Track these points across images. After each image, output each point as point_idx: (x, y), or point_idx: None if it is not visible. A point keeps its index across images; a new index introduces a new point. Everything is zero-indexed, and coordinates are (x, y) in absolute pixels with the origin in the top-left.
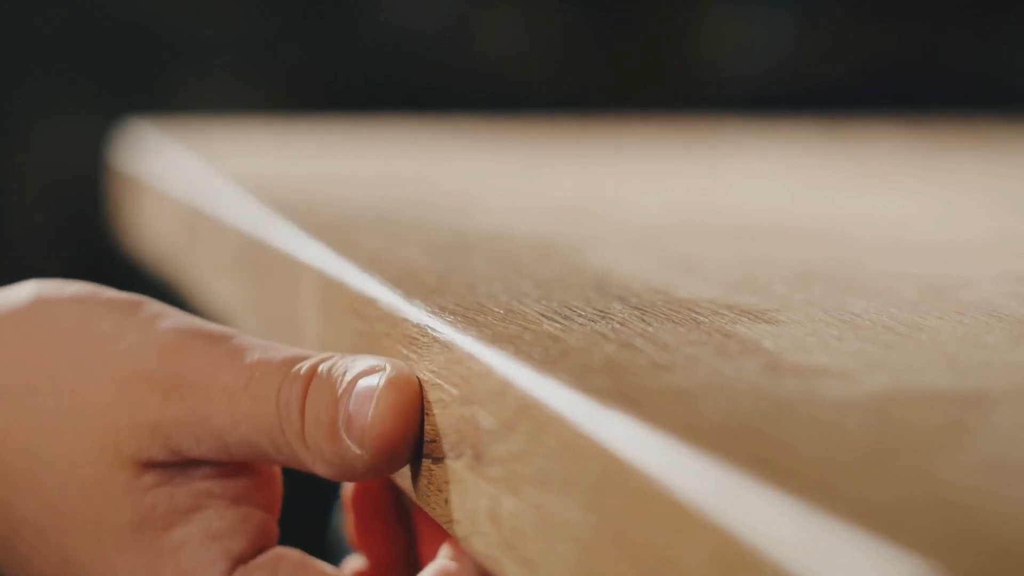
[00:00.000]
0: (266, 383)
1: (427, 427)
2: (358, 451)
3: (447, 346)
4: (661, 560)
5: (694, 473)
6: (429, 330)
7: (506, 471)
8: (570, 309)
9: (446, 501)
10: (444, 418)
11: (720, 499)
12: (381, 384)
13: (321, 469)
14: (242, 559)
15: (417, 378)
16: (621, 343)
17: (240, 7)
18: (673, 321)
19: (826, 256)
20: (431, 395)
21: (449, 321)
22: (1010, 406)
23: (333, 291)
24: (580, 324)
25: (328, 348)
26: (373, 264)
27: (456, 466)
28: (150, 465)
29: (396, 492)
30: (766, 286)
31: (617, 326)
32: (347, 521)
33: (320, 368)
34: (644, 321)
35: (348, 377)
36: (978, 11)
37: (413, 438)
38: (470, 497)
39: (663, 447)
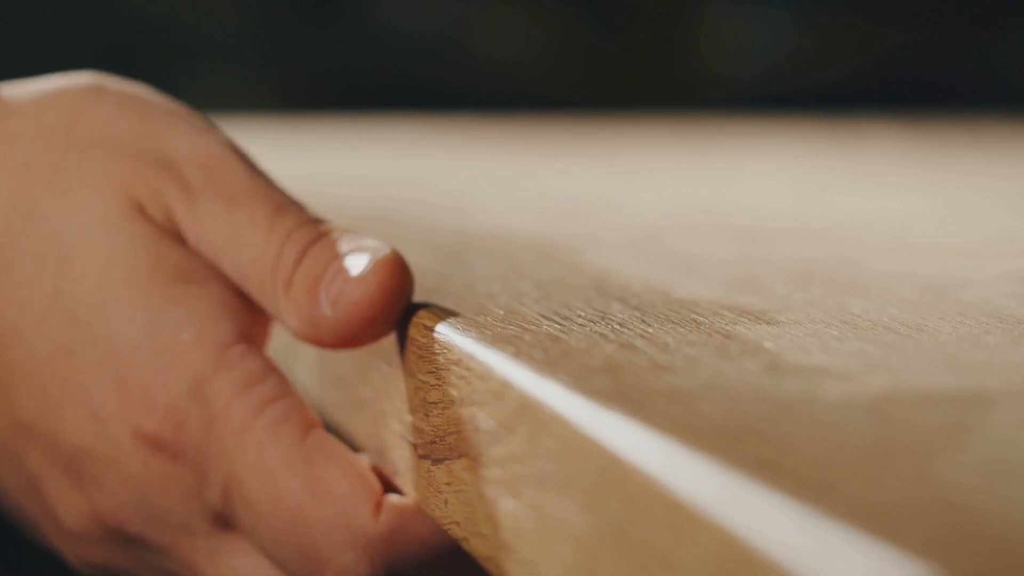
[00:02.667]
0: (282, 224)
1: (426, 428)
2: (328, 311)
3: (446, 347)
4: (661, 561)
5: (694, 474)
6: (428, 330)
7: (506, 472)
8: (570, 310)
9: (445, 502)
10: (443, 419)
11: (720, 499)
12: (375, 259)
13: (290, 323)
14: (248, 340)
15: (411, 273)
16: (621, 344)
17: (240, 7)
18: (673, 322)
19: (826, 256)
20: (430, 396)
21: (448, 322)
22: (1010, 406)
23: None
24: (580, 325)
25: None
26: None
27: (455, 467)
28: (164, 230)
29: None
30: (766, 286)
31: (617, 327)
32: None
33: (335, 232)
34: (644, 322)
35: (350, 245)
36: (978, 11)
37: (383, 323)
38: (470, 498)
39: (663, 448)
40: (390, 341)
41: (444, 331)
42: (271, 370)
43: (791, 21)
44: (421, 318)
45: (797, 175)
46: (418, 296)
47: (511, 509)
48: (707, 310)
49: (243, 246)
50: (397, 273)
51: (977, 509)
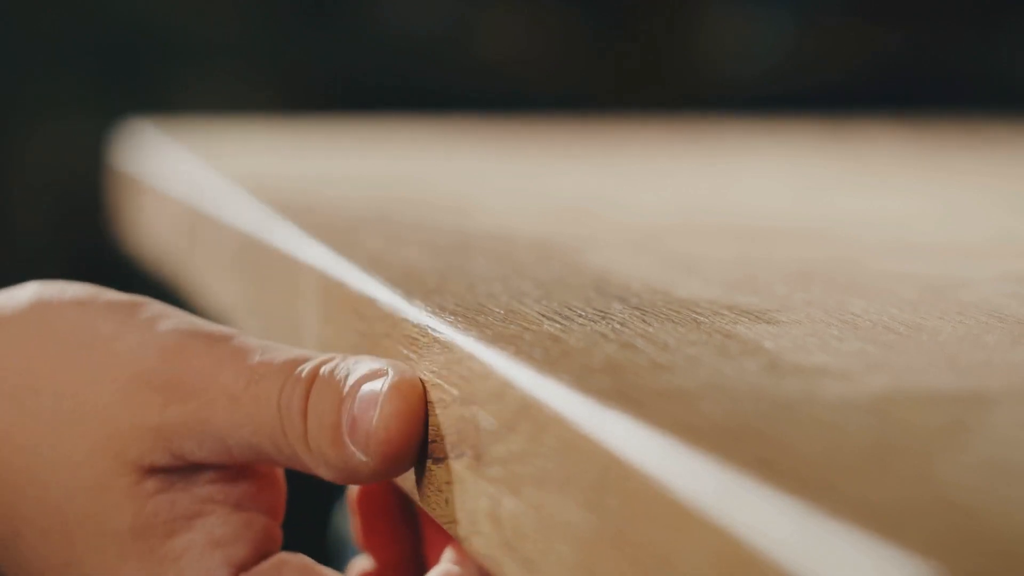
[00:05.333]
0: (267, 385)
1: (428, 428)
2: (363, 458)
3: (447, 346)
4: (661, 560)
5: (694, 473)
6: (429, 330)
7: (506, 471)
8: (570, 309)
9: (446, 501)
10: (444, 418)
11: (720, 499)
12: (385, 389)
13: (324, 472)
14: (244, 566)
15: (420, 381)
16: (621, 343)
17: (240, 7)
18: (673, 321)
19: (826, 256)
20: (431, 395)
21: (449, 321)
22: (1010, 406)
23: (333, 291)
24: (580, 324)
25: (328, 348)
26: (373, 264)
27: (456, 466)
28: (152, 470)
29: (402, 494)
30: (766, 286)
31: (617, 326)
32: (353, 522)
33: (322, 370)
34: (644, 321)
35: (351, 380)
36: (978, 11)
37: (417, 442)
38: (470, 497)
39: (663, 447)
40: (391, 341)
41: (445, 331)
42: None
43: (791, 22)
44: (421, 318)
45: (797, 175)
46: (418, 296)
47: (511, 508)
48: (707, 310)
49: (240, 427)
50: (406, 392)
51: (977, 509)
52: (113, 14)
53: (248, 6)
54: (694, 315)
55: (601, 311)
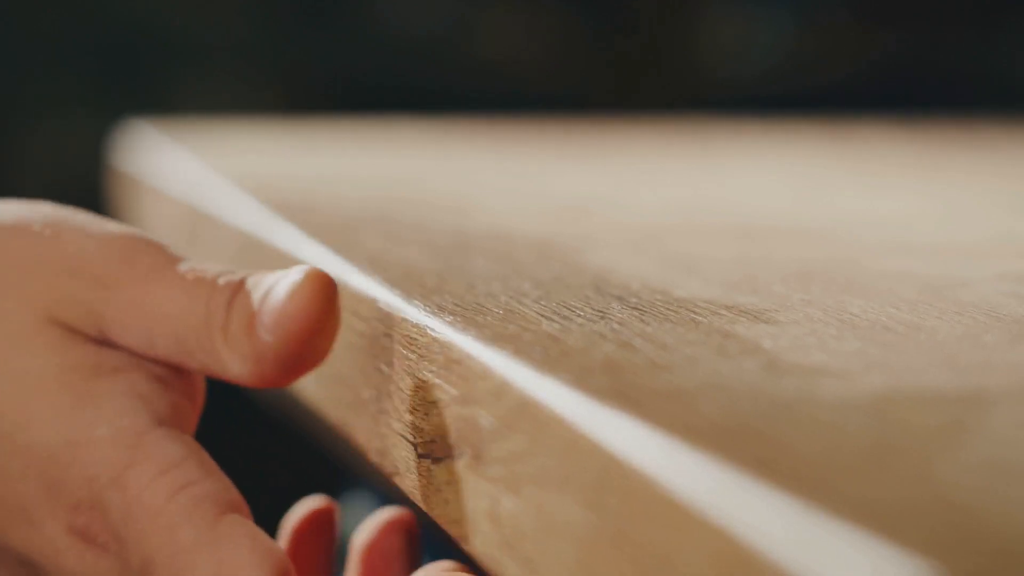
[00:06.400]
0: (201, 285)
1: (427, 427)
2: (268, 338)
3: (446, 346)
4: (660, 559)
5: (693, 472)
6: (429, 330)
7: (506, 471)
8: (569, 309)
9: (446, 501)
10: (443, 418)
11: (719, 498)
12: (298, 278)
13: (236, 368)
14: (163, 422)
15: (333, 280)
16: (620, 343)
17: (240, 8)
18: (672, 321)
19: (825, 256)
20: (430, 395)
21: (448, 321)
22: (1009, 406)
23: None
24: (579, 324)
25: None
26: (373, 264)
27: (456, 466)
28: (77, 335)
29: (407, 557)
30: (765, 286)
31: (616, 326)
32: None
33: (251, 278)
34: (643, 321)
35: (272, 280)
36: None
37: (325, 336)
38: (470, 497)
39: (662, 446)
40: (390, 340)
41: (444, 330)
42: (191, 453)
43: (791, 23)
44: (420, 318)
45: (796, 175)
46: (418, 296)
47: (511, 507)
48: (706, 309)
49: (169, 317)
50: (324, 282)
51: (976, 509)
52: (113, 15)
53: (248, 7)
54: (693, 315)
55: (600, 311)
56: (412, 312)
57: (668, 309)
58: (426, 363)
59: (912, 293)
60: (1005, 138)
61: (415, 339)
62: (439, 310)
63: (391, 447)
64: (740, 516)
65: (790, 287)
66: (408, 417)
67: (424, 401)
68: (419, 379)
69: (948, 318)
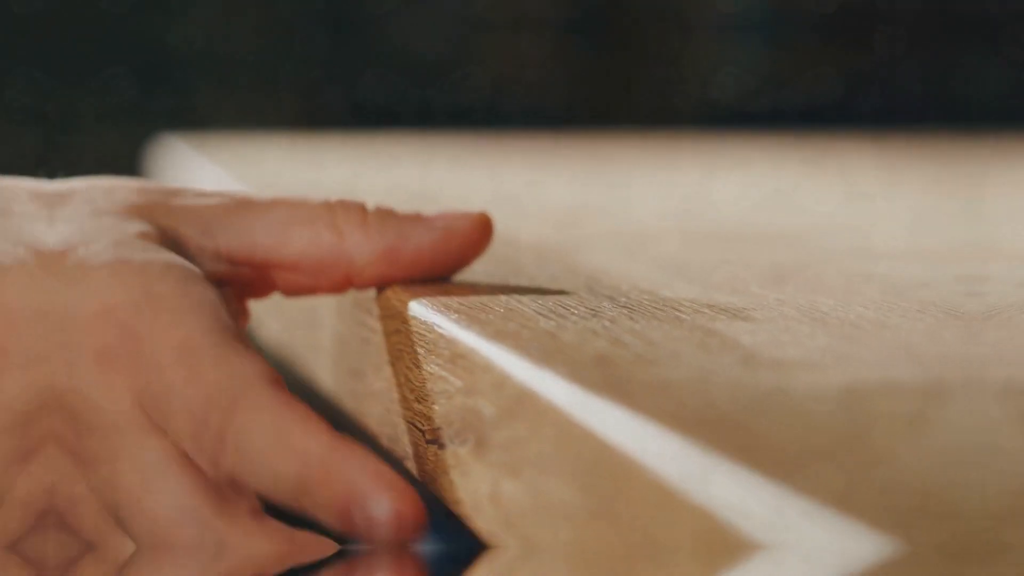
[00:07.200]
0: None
1: (434, 416)
2: (424, 232)
3: (452, 342)
4: (647, 536)
5: (677, 458)
6: (435, 327)
7: (506, 456)
8: (564, 308)
9: (452, 483)
10: (449, 407)
11: (701, 481)
12: (447, 225)
13: (362, 252)
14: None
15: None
16: (611, 339)
17: (265, 31)
18: (658, 319)
19: (798, 260)
20: (437, 386)
21: (454, 319)
22: (966, 396)
23: (348, 293)
24: (574, 322)
25: (343, 342)
26: None
27: (460, 451)
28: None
29: None
30: (743, 287)
31: (607, 323)
32: None
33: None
34: (632, 319)
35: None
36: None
37: (473, 250)
38: (473, 480)
39: (649, 434)
40: (399, 337)
41: (449, 327)
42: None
43: (767, 45)
44: (428, 315)
45: (773, 186)
46: (425, 296)
47: (511, 489)
48: (689, 308)
49: (287, 222)
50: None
51: (936, 490)
52: (149, 38)
53: (273, 30)
54: (677, 313)
55: (593, 309)
56: (421, 310)
57: (655, 308)
58: (433, 357)
59: (877, 293)
60: (963, 152)
61: (423, 335)
62: (445, 309)
63: (401, 434)
64: (720, 497)
65: (766, 288)
66: (417, 406)
67: (432, 392)
68: (427, 372)
69: (911, 316)
